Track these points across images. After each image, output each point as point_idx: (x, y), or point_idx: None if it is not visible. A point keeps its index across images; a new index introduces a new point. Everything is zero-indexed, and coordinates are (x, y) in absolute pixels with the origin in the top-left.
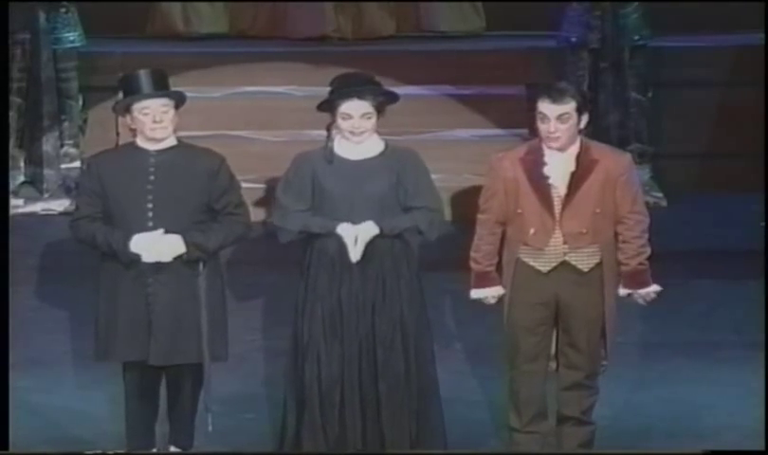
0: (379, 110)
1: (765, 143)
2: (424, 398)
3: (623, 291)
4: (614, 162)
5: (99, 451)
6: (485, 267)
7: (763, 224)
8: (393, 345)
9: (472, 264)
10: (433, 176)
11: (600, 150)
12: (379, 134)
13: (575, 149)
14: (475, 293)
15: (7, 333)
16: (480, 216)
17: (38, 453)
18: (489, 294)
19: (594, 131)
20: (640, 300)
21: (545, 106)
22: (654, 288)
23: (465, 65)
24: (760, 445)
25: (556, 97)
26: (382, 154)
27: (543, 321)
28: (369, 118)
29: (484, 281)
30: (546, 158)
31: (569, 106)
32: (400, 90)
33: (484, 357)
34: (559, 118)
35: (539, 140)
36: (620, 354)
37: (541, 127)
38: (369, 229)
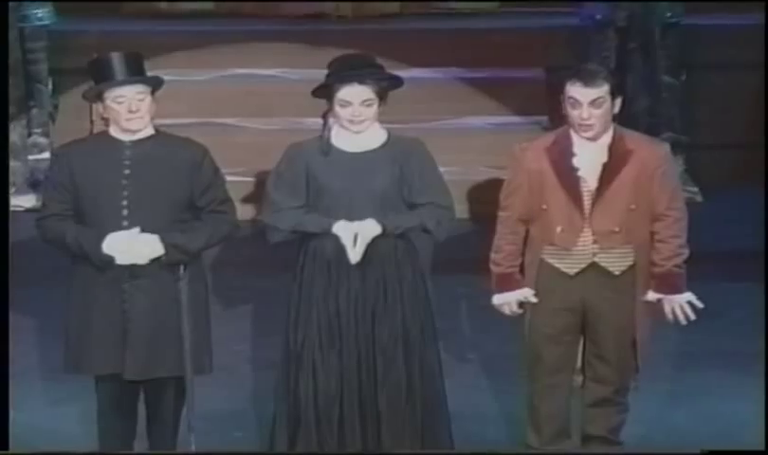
0: (381, 96)
1: (765, 136)
2: (429, 414)
3: (652, 296)
4: (651, 153)
5: (98, 451)
6: (507, 269)
7: None
8: (394, 356)
9: (492, 267)
10: (443, 169)
11: (635, 139)
12: (381, 122)
13: (607, 138)
14: (497, 298)
15: (6, 331)
16: (500, 213)
17: (38, 453)
18: (513, 298)
19: (622, 119)
20: (668, 309)
21: (576, 90)
22: (687, 296)
23: (478, 46)
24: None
25: (587, 79)
26: (384, 144)
27: (568, 329)
28: (370, 105)
29: (506, 283)
30: (575, 148)
31: (602, 89)
32: (405, 73)
33: (500, 369)
34: (593, 103)
35: (568, 128)
36: (651, 366)
37: (572, 114)
38: (370, 228)
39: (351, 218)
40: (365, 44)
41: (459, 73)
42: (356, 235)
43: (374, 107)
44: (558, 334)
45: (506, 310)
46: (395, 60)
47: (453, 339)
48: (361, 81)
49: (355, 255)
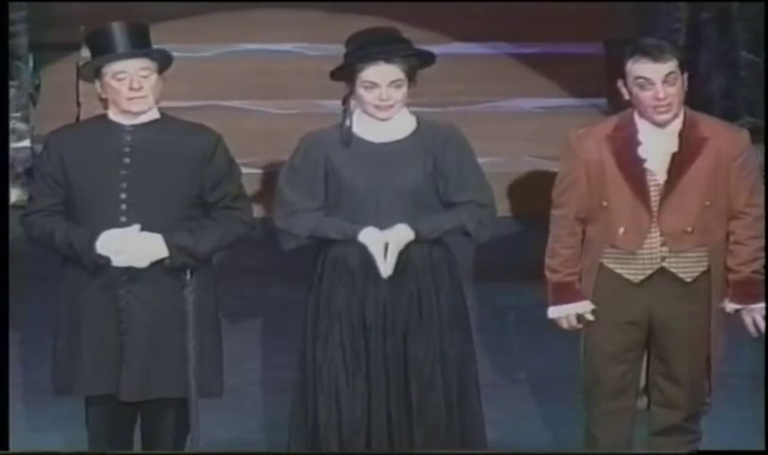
0: (411, 76)
1: (765, 133)
2: (468, 445)
3: (730, 306)
4: (729, 141)
5: (99, 452)
6: (566, 277)
7: None
8: (430, 379)
9: (548, 274)
10: (484, 159)
11: (710, 125)
12: (410, 107)
13: (677, 124)
14: (554, 311)
15: (6, 330)
16: (554, 212)
17: (38, 452)
18: (572, 310)
19: (694, 101)
20: (748, 320)
21: (647, 68)
22: None
23: (526, 17)
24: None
25: (656, 54)
26: (414, 132)
27: (632, 346)
28: (399, 86)
29: (565, 294)
30: (641, 136)
31: (673, 63)
32: (439, 49)
33: (551, 392)
34: (666, 79)
35: (632, 112)
36: (725, 389)
37: (644, 96)
38: (402, 235)
39: (379, 221)
40: (396, 14)
41: (504, 48)
42: (386, 243)
43: (404, 89)
44: (620, 351)
45: (564, 324)
46: (428, 32)
47: (497, 358)
48: (388, 59)
49: (386, 267)
